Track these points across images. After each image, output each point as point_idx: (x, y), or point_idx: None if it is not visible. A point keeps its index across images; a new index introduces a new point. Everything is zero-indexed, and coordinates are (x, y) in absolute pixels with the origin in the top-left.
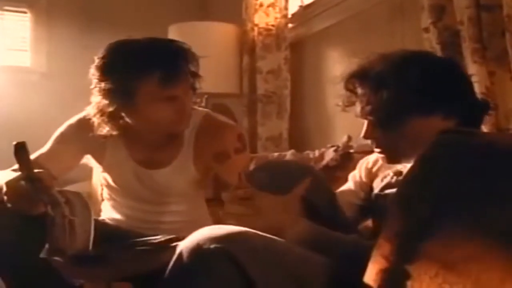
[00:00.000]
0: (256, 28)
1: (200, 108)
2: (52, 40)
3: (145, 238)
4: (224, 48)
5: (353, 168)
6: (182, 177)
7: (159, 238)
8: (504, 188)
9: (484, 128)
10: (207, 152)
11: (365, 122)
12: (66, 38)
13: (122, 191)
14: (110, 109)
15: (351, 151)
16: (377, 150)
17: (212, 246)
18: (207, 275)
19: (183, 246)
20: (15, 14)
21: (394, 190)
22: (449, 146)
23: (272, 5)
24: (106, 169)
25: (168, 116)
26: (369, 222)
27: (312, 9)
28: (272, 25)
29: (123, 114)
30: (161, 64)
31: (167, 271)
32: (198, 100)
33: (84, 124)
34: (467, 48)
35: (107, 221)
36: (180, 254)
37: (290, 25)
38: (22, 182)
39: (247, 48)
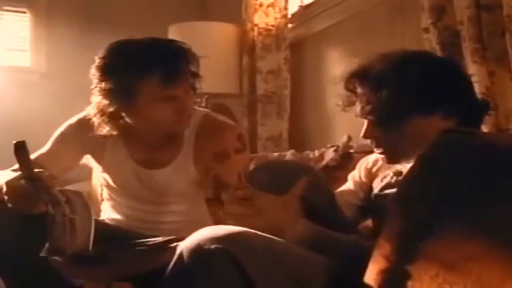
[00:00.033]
0: (256, 28)
1: (200, 108)
2: (52, 40)
3: (145, 240)
4: (224, 48)
5: (353, 168)
6: (182, 177)
7: (159, 239)
8: (504, 188)
9: (484, 128)
10: (207, 152)
11: (365, 122)
12: (66, 38)
13: (122, 191)
14: (111, 109)
15: (351, 151)
16: (377, 150)
17: (213, 246)
18: (208, 275)
19: (184, 246)
20: (14, 14)
21: (393, 190)
22: (449, 146)
23: (272, 5)
24: (106, 169)
25: (169, 116)
26: (369, 222)
27: (312, 9)
28: (272, 25)
29: (123, 114)
30: (162, 64)
31: (168, 271)
32: (198, 100)
33: (84, 124)
34: (467, 48)
35: (107, 221)
36: (181, 254)
37: (290, 25)
38: (22, 181)
39: (247, 48)
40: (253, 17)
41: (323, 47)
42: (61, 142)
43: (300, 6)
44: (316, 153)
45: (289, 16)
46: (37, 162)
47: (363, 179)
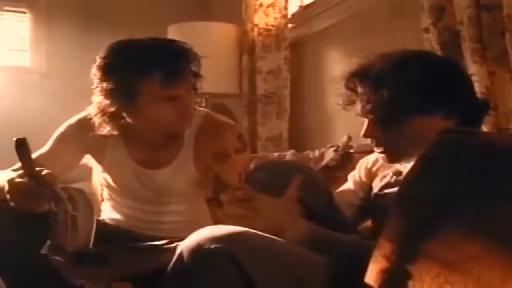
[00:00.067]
0: (256, 28)
1: (201, 108)
2: (52, 40)
3: (146, 244)
4: (224, 48)
5: (353, 168)
6: (182, 177)
7: (160, 243)
8: (504, 188)
9: (484, 128)
10: (207, 152)
11: (366, 121)
12: (66, 38)
13: (122, 191)
14: (112, 109)
15: (351, 151)
16: (377, 149)
17: (213, 246)
18: (208, 275)
19: (184, 246)
20: (14, 14)
21: (393, 189)
22: (449, 146)
23: (272, 5)
24: (106, 169)
25: (170, 116)
26: (369, 223)
27: (312, 9)
28: (272, 25)
29: (124, 114)
30: (163, 64)
31: (168, 271)
32: (199, 100)
33: (84, 124)
34: (467, 48)
35: (107, 221)
36: (181, 254)
37: (290, 25)
38: (25, 179)
39: (247, 48)
40: (253, 17)
41: (323, 47)
42: (61, 142)
43: (300, 6)
44: (316, 153)
45: (289, 16)
46: (37, 162)
47: (363, 179)
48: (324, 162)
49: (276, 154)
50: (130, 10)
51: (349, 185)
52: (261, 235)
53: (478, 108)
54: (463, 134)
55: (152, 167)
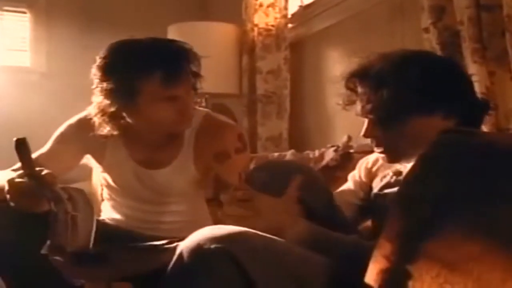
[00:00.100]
0: (256, 28)
1: (201, 108)
2: (52, 40)
3: (146, 244)
4: (224, 48)
5: (353, 168)
6: (182, 177)
7: (160, 243)
8: (504, 188)
9: (484, 128)
10: (207, 152)
11: (366, 121)
12: (66, 38)
13: (122, 191)
14: (112, 109)
15: (351, 151)
16: (377, 149)
17: (213, 246)
18: (208, 275)
19: (184, 246)
20: (14, 14)
21: (393, 189)
22: (449, 146)
23: (272, 5)
24: (106, 169)
25: (170, 116)
26: (369, 223)
27: (312, 9)
28: (272, 25)
29: (124, 114)
30: (163, 64)
31: (168, 271)
32: (199, 100)
33: (84, 124)
34: (467, 48)
35: (107, 221)
36: (181, 254)
37: (290, 25)
38: (25, 179)
39: (247, 48)
40: (253, 17)
41: (323, 47)
42: (61, 142)
43: (300, 6)
44: (316, 153)
45: (289, 16)
46: (37, 162)
47: (363, 179)
48: (324, 162)
49: (276, 154)
50: (130, 10)
51: (349, 185)
52: (261, 235)
53: (478, 108)
54: (463, 134)
55: (152, 167)
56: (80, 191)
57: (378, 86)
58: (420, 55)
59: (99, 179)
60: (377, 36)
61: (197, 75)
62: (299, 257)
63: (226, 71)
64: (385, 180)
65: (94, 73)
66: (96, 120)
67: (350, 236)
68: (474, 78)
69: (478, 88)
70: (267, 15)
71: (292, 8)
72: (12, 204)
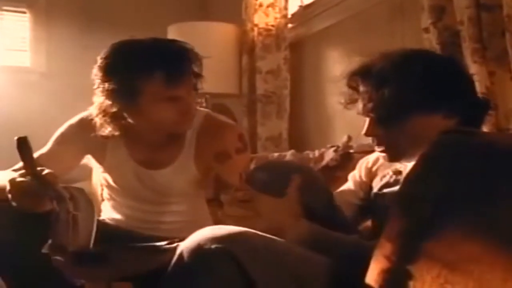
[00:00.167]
0: (255, 28)
1: (201, 108)
2: (52, 40)
3: (147, 244)
4: (223, 48)
5: (353, 168)
6: (183, 177)
7: (161, 244)
8: (505, 188)
9: (484, 128)
10: (208, 152)
11: (367, 120)
12: (66, 38)
13: (122, 191)
14: (113, 109)
15: (351, 151)
16: (378, 148)
17: (213, 246)
18: (208, 275)
19: (184, 246)
20: (14, 14)
21: (392, 189)
22: (450, 146)
23: (271, 5)
24: (107, 169)
25: (172, 116)
26: (369, 222)
27: (312, 9)
28: (272, 25)
29: (125, 114)
30: (164, 64)
31: (168, 271)
32: (200, 100)
33: (85, 124)
34: (467, 48)
35: (108, 221)
36: (181, 254)
37: (289, 25)
38: (26, 179)
39: (246, 48)
40: (253, 17)
41: (323, 47)
42: (61, 143)
43: (300, 6)
44: (316, 153)
45: (289, 16)
46: (38, 162)
47: (363, 179)
48: (324, 162)
49: (276, 154)
50: (130, 10)
51: (349, 185)
52: (261, 235)
53: (479, 108)
54: (464, 134)
55: (152, 168)
56: (81, 191)
57: (380, 85)
58: (421, 54)
59: (99, 179)
60: (377, 36)
61: (198, 75)
62: (300, 257)
63: (226, 71)
64: (384, 180)
65: (95, 73)
66: (98, 120)
67: (351, 236)
68: (474, 78)
69: (478, 88)
70: (267, 15)
71: (292, 8)
72: (13, 203)
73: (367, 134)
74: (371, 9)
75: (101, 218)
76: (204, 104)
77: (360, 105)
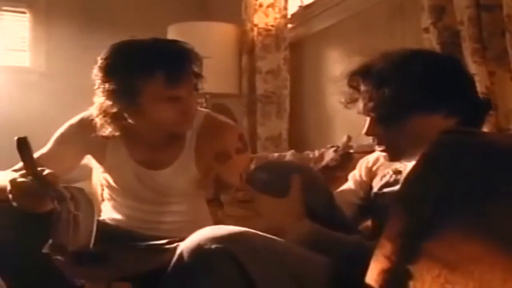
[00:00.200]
0: (255, 28)
1: (201, 109)
2: (52, 40)
3: (147, 244)
4: (223, 48)
5: (353, 168)
6: (183, 178)
7: (160, 242)
8: (505, 188)
9: (484, 128)
10: (208, 152)
11: (368, 119)
12: (66, 38)
13: (122, 192)
14: (114, 110)
15: (351, 151)
16: (379, 147)
17: (213, 246)
18: (208, 275)
19: (184, 246)
20: (14, 14)
21: (392, 188)
22: (450, 146)
23: (271, 5)
24: (107, 169)
25: (172, 116)
26: (369, 222)
27: (312, 9)
28: (272, 25)
29: (126, 114)
30: (165, 65)
31: (168, 271)
32: (201, 100)
33: (85, 125)
34: (467, 48)
35: (108, 221)
36: (181, 254)
37: (289, 25)
38: (27, 179)
39: (246, 48)
40: (252, 17)
41: (323, 47)
42: (62, 143)
43: (300, 6)
44: (316, 153)
45: (289, 16)
46: (38, 162)
47: (364, 178)
48: (324, 162)
49: (276, 154)
50: (130, 10)
51: (349, 184)
52: (262, 235)
53: (480, 107)
54: (464, 134)
55: (153, 168)
56: (81, 191)
57: (380, 85)
58: (422, 53)
59: (100, 179)
60: (377, 36)
61: (198, 75)
62: (300, 257)
63: (225, 71)
64: (384, 179)
65: (96, 74)
66: (98, 121)
67: (351, 236)
68: (474, 78)
69: (478, 88)
70: (266, 15)
71: (292, 8)
72: (14, 204)
73: (367, 133)
74: (371, 9)
75: (101, 218)
76: (204, 104)
77: (360, 104)
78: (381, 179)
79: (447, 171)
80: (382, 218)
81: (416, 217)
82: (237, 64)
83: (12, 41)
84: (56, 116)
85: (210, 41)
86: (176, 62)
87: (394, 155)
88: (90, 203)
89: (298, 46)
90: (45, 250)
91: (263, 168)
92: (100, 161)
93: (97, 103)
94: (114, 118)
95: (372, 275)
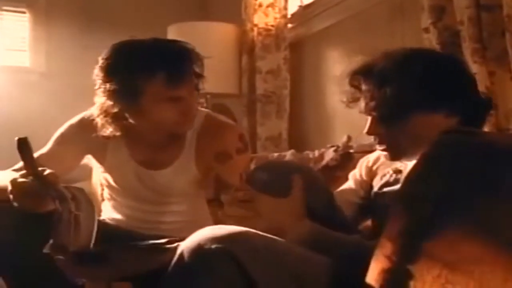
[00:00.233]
0: (255, 28)
1: (202, 109)
2: (52, 40)
3: (147, 243)
4: (223, 48)
5: (353, 168)
6: (183, 178)
7: (160, 242)
8: (505, 187)
9: (484, 128)
10: (208, 152)
11: (369, 118)
12: (66, 38)
13: (123, 192)
14: (115, 110)
15: (351, 151)
16: (380, 146)
17: (213, 246)
18: (208, 275)
19: (184, 246)
20: (14, 14)
21: (392, 188)
22: (451, 146)
23: (271, 5)
24: (107, 169)
25: (173, 116)
26: (369, 222)
27: (312, 9)
28: (272, 25)
29: (127, 115)
30: (166, 65)
31: (168, 271)
32: (202, 100)
33: (86, 124)
34: (467, 48)
35: (108, 221)
36: (181, 254)
37: (289, 25)
38: (28, 178)
39: (246, 48)
40: (252, 17)
41: (323, 47)
42: (62, 143)
43: (300, 6)
44: (316, 153)
45: (289, 16)
46: (38, 162)
47: (364, 177)
48: (324, 162)
49: (276, 154)
50: (130, 10)
51: (349, 184)
52: (262, 235)
53: (481, 106)
54: (464, 134)
55: (153, 168)
56: (81, 191)
57: (381, 84)
58: (423, 53)
59: (100, 179)
60: (377, 36)
61: (199, 75)
62: (300, 257)
63: (225, 71)
64: (384, 179)
65: (97, 74)
66: (99, 121)
67: (351, 236)
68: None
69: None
70: (266, 15)
71: (292, 8)
72: (15, 204)
73: (369, 132)
74: (371, 9)
75: (101, 218)
76: (205, 104)
77: (362, 103)
78: (381, 178)
79: (447, 171)
80: (382, 217)
81: (416, 216)
82: (237, 64)
83: (12, 41)
84: (56, 116)
85: (210, 41)
86: (177, 62)
87: (395, 154)
88: (90, 203)
89: (298, 46)
90: (46, 250)
91: (263, 168)
92: (101, 161)
93: (98, 103)
94: (115, 118)
95: (373, 275)
